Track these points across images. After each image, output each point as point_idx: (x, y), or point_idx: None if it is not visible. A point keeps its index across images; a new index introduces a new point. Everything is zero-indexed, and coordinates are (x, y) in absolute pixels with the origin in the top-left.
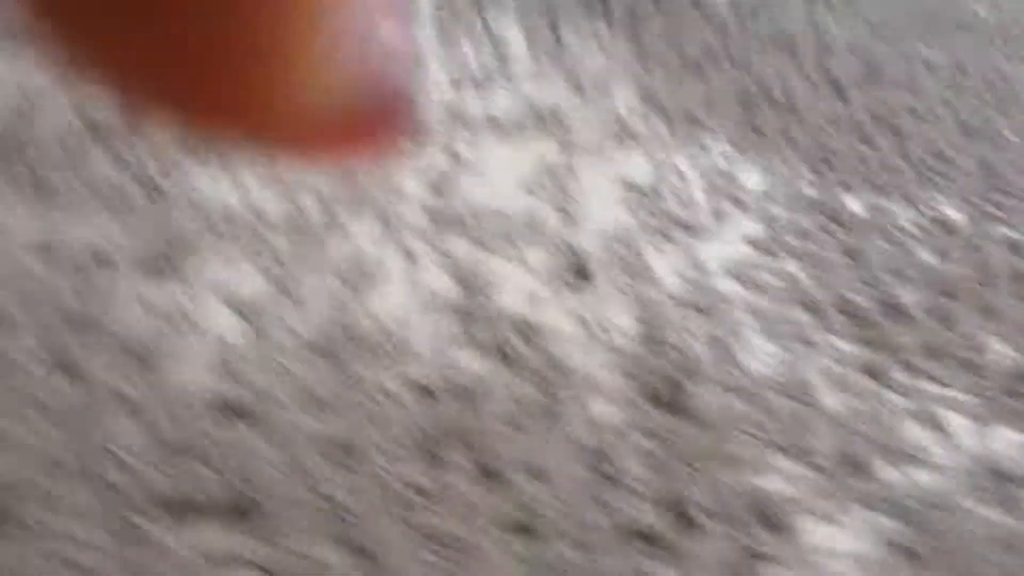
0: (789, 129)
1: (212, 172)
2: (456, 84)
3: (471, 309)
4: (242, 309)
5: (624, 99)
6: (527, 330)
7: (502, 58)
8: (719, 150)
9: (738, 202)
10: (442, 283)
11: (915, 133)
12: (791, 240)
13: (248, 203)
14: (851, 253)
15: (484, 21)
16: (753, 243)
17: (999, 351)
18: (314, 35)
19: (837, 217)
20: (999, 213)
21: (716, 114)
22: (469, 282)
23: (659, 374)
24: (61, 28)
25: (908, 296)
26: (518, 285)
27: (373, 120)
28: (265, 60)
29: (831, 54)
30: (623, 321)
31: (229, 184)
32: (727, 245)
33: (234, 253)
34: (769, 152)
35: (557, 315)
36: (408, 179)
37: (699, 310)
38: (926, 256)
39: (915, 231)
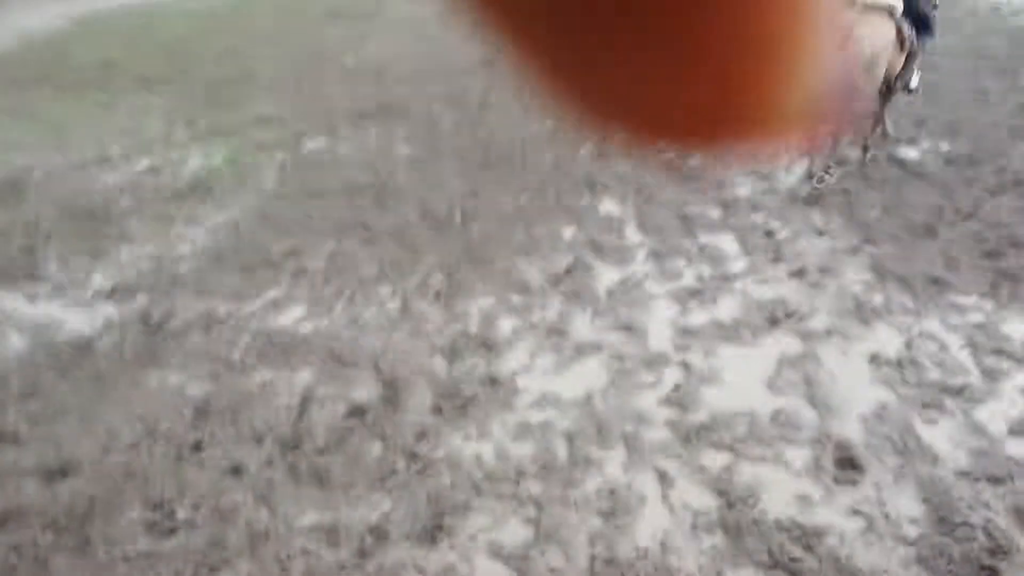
0: None
1: (466, 431)
2: (677, 298)
3: (737, 522)
4: (510, 563)
5: (856, 276)
6: (803, 535)
7: (718, 263)
8: (972, 304)
9: (1009, 355)
10: (701, 500)
11: None
12: None
13: (501, 454)
14: None
15: (693, 237)
16: None
17: None
18: (809, 43)
19: None
20: None
21: (960, 269)
22: (730, 493)
23: (963, 561)
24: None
25: None
26: (783, 488)
27: (838, 108)
28: (772, 65)
29: None
30: (908, 507)
31: (481, 439)
32: (1009, 404)
33: (496, 506)
34: None
35: (832, 513)
36: (649, 400)
37: (994, 480)
38: None
39: None
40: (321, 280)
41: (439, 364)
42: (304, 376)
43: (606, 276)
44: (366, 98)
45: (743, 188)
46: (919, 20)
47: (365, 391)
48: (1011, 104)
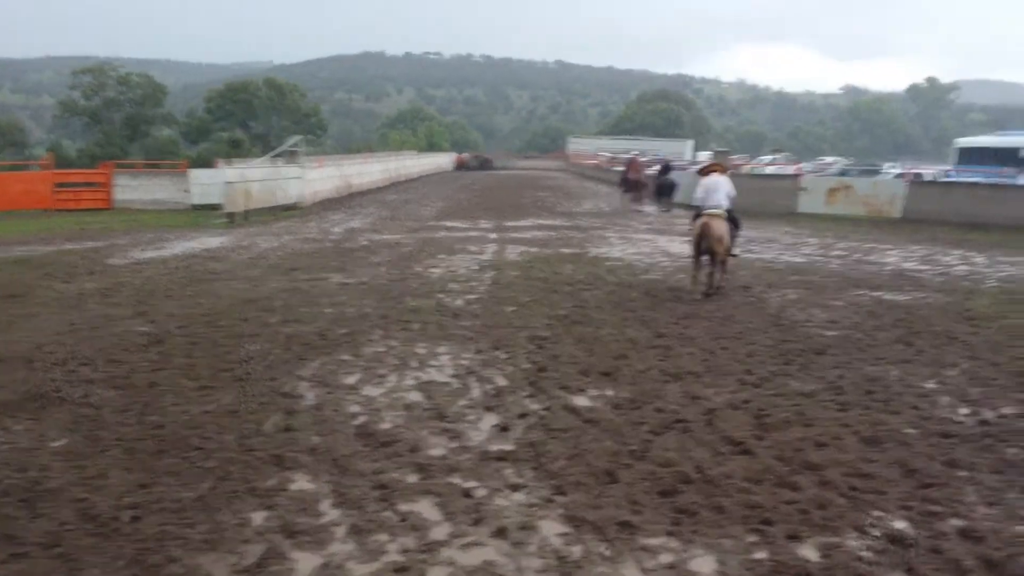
0: (713, 498)
1: None
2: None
3: None
4: None
5: (553, 528)
6: None
7: (421, 533)
8: (660, 545)
9: None
10: None
11: (827, 461)
12: None
13: None
14: None
15: (393, 507)
16: None
17: None
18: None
19: (803, 571)
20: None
21: (643, 511)
22: None
23: None
24: None
25: None
26: None
27: None
28: None
29: (717, 418)
30: None
31: None
32: None
33: None
34: (708, 529)
35: None
36: None
37: None
38: None
39: (872, 556)
40: None
41: None
42: None
43: (304, 564)
44: (12, 387)
45: (437, 448)
46: (734, 220)
47: None
48: (659, 349)
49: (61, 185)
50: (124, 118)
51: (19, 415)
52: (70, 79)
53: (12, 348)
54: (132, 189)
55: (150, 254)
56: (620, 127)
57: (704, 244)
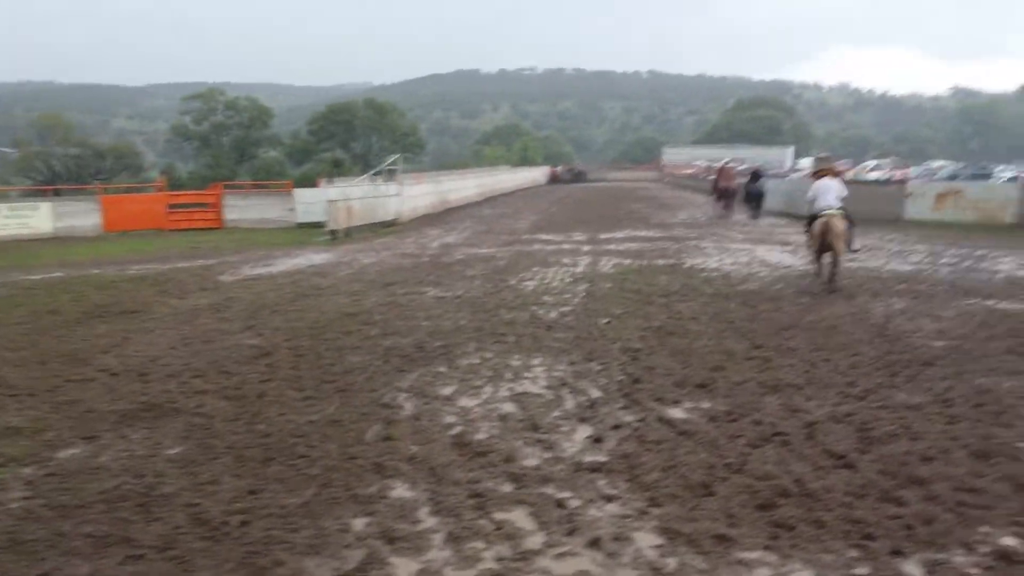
0: (813, 513)
1: None
2: None
3: None
4: None
5: (648, 540)
6: None
7: (515, 541)
8: (758, 559)
9: None
10: None
11: (934, 475)
12: None
13: None
14: None
15: (488, 516)
16: None
17: None
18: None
19: None
20: None
21: (740, 524)
22: None
23: None
24: None
25: None
26: None
27: None
28: None
29: (818, 431)
30: None
31: None
32: None
33: None
34: (807, 543)
35: None
36: None
37: None
38: None
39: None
40: None
41: None
42: None
43: (402, 569)
44: (129, 399)
45: (531, 459)
46: (850, 219)
47: None
48: (757, 361)
49: (174, 206)
50: (232, 141)
51: (136, 424)
52: (181, 105)
53: (129, 361)
54: (241, 209)
55: (259, 271)
56: (716, 136)
57: (826, 241)
